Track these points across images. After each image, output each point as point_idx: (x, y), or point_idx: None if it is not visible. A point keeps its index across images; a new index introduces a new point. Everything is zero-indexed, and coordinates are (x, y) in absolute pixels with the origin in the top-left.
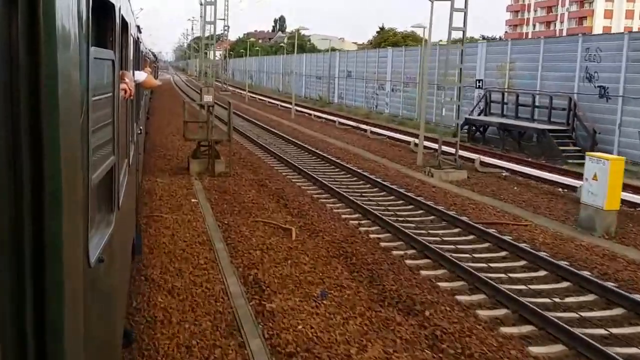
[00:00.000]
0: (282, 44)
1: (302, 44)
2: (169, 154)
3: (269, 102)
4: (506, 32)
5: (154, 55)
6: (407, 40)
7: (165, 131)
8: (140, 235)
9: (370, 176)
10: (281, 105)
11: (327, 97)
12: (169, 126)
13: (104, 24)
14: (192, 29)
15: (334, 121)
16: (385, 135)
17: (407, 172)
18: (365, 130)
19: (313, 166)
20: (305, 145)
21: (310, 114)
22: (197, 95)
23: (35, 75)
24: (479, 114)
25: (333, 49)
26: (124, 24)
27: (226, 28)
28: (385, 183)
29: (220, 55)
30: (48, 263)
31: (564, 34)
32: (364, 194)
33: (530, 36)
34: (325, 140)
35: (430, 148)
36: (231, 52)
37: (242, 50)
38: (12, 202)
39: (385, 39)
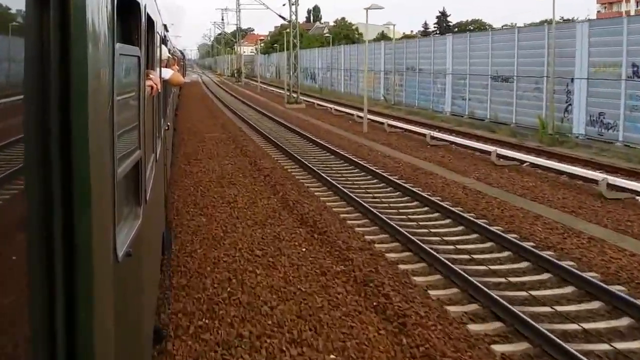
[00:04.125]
0: (327, 35)
1: (348, 34)
2: None
3: (434, 136)
4: (598, 11)
5: (182, 54)
6: None
7: None
8: (170, 230)
9: None
10: (500, 154)
11: (549, 123)
12: None
13: (129, 21)
14: (223, 18)
15: None
16: None
17: None
18: None
19: None
20: None
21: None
22: (254, 114)
23: (65, 71)
24: None
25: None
26: (150, 22)
27: (293, 1)
28: None
29: (256, 49)
30: (77, 258)
31: None
32: None
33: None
34: None
35: None
36: (273, 46)
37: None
38: (42, 198)
39: None
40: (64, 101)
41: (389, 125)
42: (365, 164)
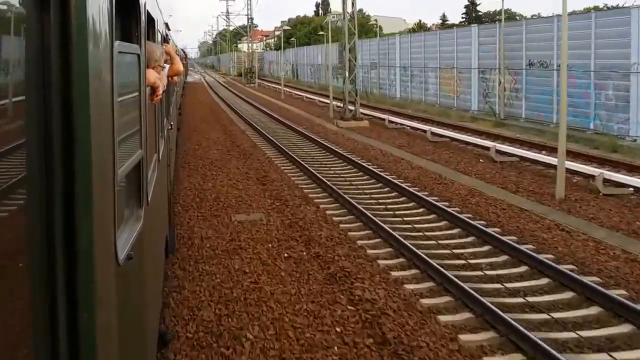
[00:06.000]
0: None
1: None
2: None
3: None
4: None
5: (184, 52)
6: None
7: None
8: (174, 233)
9: None
10: None
11: None
12: None
13: (129, 19)
14: (228, 10)
15: None
16: None
17: None
18: None
19: None
20: None
21: None
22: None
23: (67, 71)
24: None
25: None
26: (150, 20)
27: None
28: None
29: (266, 45)
30: (78, 261)
31: None
32: None
33: None
34: None
35: None
36: (288, 41)
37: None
38: (43, 200)
39: None
40: (66, 101)
41: (606, 181)
42: None
